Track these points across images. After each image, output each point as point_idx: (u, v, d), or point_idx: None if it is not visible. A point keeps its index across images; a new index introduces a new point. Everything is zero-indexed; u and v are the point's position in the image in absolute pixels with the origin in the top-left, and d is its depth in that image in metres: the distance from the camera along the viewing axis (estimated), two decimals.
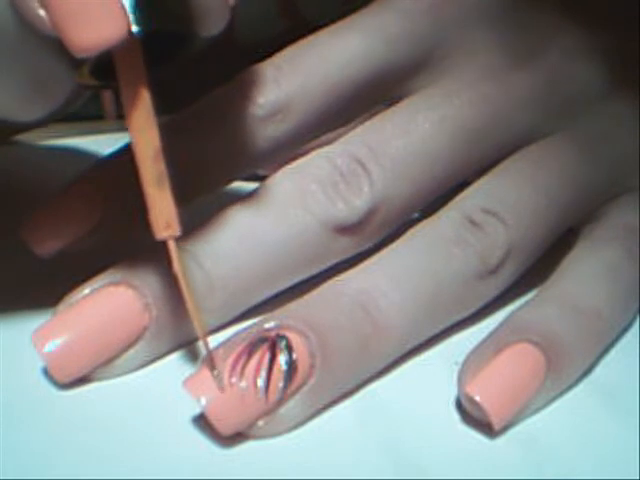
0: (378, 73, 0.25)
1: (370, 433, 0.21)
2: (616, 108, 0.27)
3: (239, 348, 0.20)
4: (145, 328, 0.22)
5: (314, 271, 0.24)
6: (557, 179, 0.25)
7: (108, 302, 0.22)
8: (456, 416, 0.22)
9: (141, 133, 0.20)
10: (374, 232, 0.24)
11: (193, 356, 0.23)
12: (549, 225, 0.25)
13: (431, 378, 0.23)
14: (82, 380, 0.22)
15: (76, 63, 0.20)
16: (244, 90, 0.25)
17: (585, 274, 0.24)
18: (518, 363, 0.21)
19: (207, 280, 0.23)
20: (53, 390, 0.22)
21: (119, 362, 0.22)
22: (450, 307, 0.23)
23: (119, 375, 0.22)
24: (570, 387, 0.23)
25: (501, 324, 0.23)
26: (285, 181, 0.24)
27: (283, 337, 0.21)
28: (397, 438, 0.21)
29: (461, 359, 0.22)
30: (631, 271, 0.25)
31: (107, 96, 0.43)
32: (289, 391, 0.20)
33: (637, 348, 0.24)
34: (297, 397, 0.21)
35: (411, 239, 0.24)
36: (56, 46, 0.19)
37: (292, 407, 0.21)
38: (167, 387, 0.22)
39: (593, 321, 0.23)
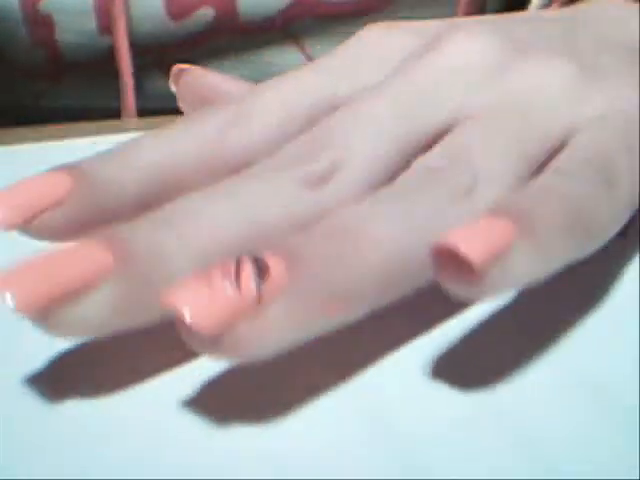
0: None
1: (367, 432, 0.21)
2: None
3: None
4: (109, 266, 0.21)
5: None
6: (507, 121, 0.26)
7: (71, 252, 0.21)
8: (455, 417, 0.21)
9: None
10: (345, 187, 0.25)
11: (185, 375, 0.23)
12: (513, 153, 0.25)
13: (430, 378, 0.23)
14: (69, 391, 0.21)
15: None
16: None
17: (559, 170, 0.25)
18: (485, 227, 0.21)
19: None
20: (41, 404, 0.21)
21: (85, 304, 0.21)
22: (433, 233, 0.22)
23: (90, 327, 0.21)
24: (567, 385, 0.22)
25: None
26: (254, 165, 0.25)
27: (251, 254, 0.20)
28: (395, 437, 0.21)
29: (460, 359, 0.22)
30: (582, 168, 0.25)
31: (129, 97, 0.43)
32: (265, 292, 0.20)
33: (637, 348, 0.24)
34: (277, 301, 0.20)
35: (382, 190, 0.24)
36: None
37: (274, 312, 0.20)
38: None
39: (557, 180, 0.24)
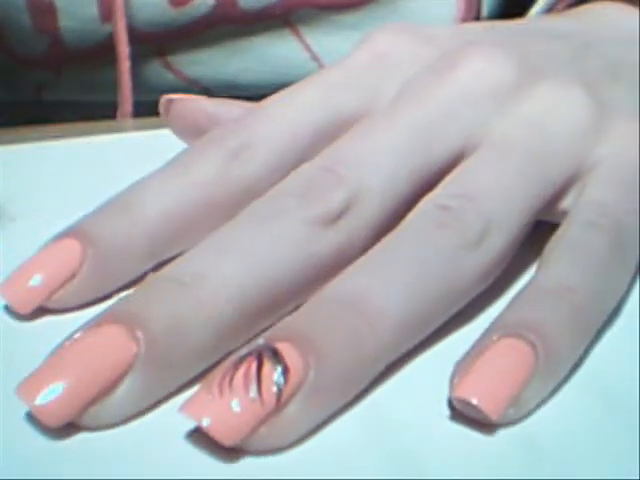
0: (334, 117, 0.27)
1: (367, 433, 0.21)
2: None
3: (227, 366, 0.20)
4: (135, 356, 0.21)
5: (312, 274, 0.24)
6: (520, 156, 0.26)
7: (94, 342, 0.21)
8: (455, 417, 0.22)
9: None
10: (360, 224, 0.24)
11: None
12: (523, 195, 0.25)
13: (430, 380, 0.23)
14: (76, 428, 0.21)
15: None
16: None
17: (552, 257, 0.25)
18: (502, 357, 0.22)
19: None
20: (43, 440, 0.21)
21: (113, 400, 0.21)
22: (442, 287, 0.23)
23: (118, 416, 0.21)
24: (570, 387, 0.23)
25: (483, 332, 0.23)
26: (262, 200, 0.24)
27: (269, 347, 0.20)
28: (396, 439, 0.21)
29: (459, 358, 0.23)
30: (597, 242, 0.25)
31: (125, 97, 0.43)
32: (285, 394, 0.20)
33: (637, 347, 0.24)
34: (297, 399, 0.20)
35: (390, 238, 0.24)
36: None
37: (294, 410, 0.20)
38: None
39: (567, 299, 0.23)
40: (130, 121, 0.43)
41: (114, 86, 0.42)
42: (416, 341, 0.23)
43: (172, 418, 0.21)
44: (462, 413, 0.22)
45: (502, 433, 0.21)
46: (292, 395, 0.20)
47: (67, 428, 0.21)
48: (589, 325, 0.24)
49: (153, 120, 0.33)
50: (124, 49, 0.41)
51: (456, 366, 0.22)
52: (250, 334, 0.23)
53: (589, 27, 0.32)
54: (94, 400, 0.20)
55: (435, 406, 0.22)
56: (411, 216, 0.24)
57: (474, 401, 0.21)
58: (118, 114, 0.43)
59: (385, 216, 0.25)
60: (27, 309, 0.24)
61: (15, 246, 0.25)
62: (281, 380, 0.20)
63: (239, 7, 0.43)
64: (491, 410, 0.21)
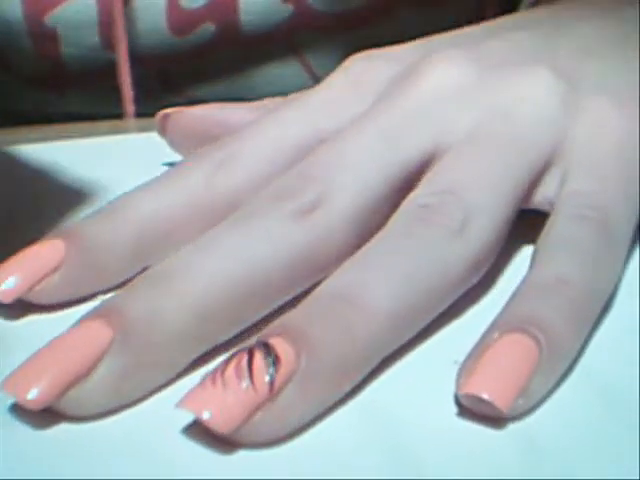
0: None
1: (369, 432, 0.21)
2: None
3: (221, 362, 0.21)
4: (111, 340, 0.21)
5: (291, 267, 0.24)
6: (492, 145, 0.26)
7: (74, 335, 0.22)
8: (455, 416, 0.21)
9: None
10: (334, 217, 0.25)
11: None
12: (501, 181, 0.25)
13: (430, 377, 0.23)
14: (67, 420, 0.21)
15: None
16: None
17: (543, 252, 0.25)
18: (507, 352, 0.22)
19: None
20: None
21: (91, 383, 0.21)
22: (431, 277, 0.23)
23: (98, 402, 0.21)
24: (570, 386, 0.22)
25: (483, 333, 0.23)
26: (243, 205, 0.25)
27: (261, 342, 0.21)
28: (396, 437, 0.21)
29: (460, 358, 0.22)
30: (586, 234, 0.25)
31: (127, 97, 0.43)
32: (278, 382, 0.20)
33: (637, 347, 0.24)
34: (290, 386, 0.21)
35: (376, 237, 0.24)
36: None
37: (288, 397, 0.20)
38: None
39: (563, 291, 0.23)
40: (132, 121, 0.43)
41: (117, 105, 0.43)
42: (411, 332, 0.23)
43: (164, 412, 0.21)
44: (461, 411, 0.21)
45: (502, 432, 0.21)
46: (285, 383, 0.21)
47: (55, 420, 0.21)
48: (587, 315, 0.24)
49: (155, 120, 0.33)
50: (126, 78, 0.42)
51: (461, 366, 0.22)
52: (235, 324, 0.23)
53: (564, 10, 0.32)
54: (72, 383, 0.21)
55: (435, 404, 0.22)
56: (394, 217, 0.25)
57: (484, 396, 0.21)
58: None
59: (359, 210, 0.25)
60: (13, 296, 0.24)
61: (14, 247, 0.25)
62: (272, 369, 0.20)
63: (241, 33, 0.43)
64: (501, 403, 0.21)
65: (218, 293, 0.23)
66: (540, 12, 0.33)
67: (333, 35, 0.43)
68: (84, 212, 0.26)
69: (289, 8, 0.43)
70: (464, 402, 0.21)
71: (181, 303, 0.22)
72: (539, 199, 0.27)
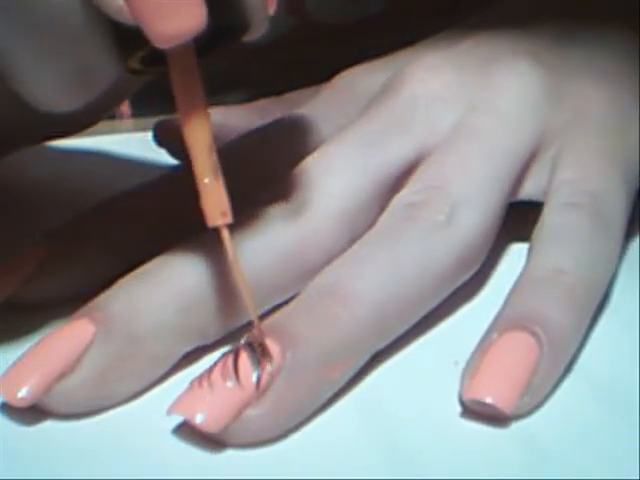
0: None
1: (368, 432, 0.21)
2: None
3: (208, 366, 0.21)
4: (92, 334, 0.22)
5: (274, 264, 0.24)
6: (476, 139, 0.26)
7: (60, 334, 0.22)
8: (454, 416, 0.22)
9: (195, 125, 0.21)
10: (322, 216, 0.25)
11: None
12: (486, 173, 0.26)
13: (430, 378, 0.23)
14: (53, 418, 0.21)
15: (127, 51, 0.20)
16: None
17: (538, 245, 0.25)
18: (507, 351, 0.22)
19: None
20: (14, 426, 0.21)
21: (76, 377, 0.21)
22: (417, 269, 0.23)
23: (84, 396, 0.21)
24: (570, 386, 0.22)
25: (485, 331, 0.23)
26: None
27: (246, 343, 0.21)
28: (395, 437, 0.21)
29: (460, 358, 0.23)
30: (579, 222, 0.25)
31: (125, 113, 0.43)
32: (264, 379, 0.20)
33: (637, 347, 0.24)
34: (278, 380, 0.21)
35: (363, 237, 0.24)
36: (107, 34, 0.19)
37: (277, 391, 0.21)
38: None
39: (559, 282, 0.24)
40: (130, 121, 0.43)
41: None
42: (400, 325, 0.23)
43: (154, 411, 0.21)
44: (462, 410, 0.22)
45: (503, 431, 0.21)
46: (272, 378, 0.21)
47: (42, 418, 0.21)
48: (586, 303, 0.24)
49: (153, 120, 0.33)
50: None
51: (464, 368, 0.22)
52: (224, 319, 0.23)
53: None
54: (58, 379, 0.21)
55: (435, 404, 0.22)
56: (382, 217, 0.25)
57: (488, 400, 0.21)
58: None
59: (346, 214, 0.25)
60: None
61: (14, 248, 0.25)
62: (258, 367, 0.21)
63: (243, 43, 0.43)
64: (505, 405, 0.21)
65: (194, 282, 0.23)
66: (519, 5, 0.33)
67: (336, 47, 0.43)
68: (82, 212, 0.26)
69: (292, 20, 0.43)
70: (468, 404, 0.21)
71: (158, 293, 0.22)
72: (530, 190, 0.27)
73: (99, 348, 0.22)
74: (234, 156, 0.27)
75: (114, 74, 0.21)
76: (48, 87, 0.20)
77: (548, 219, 0.26)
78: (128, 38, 0.20)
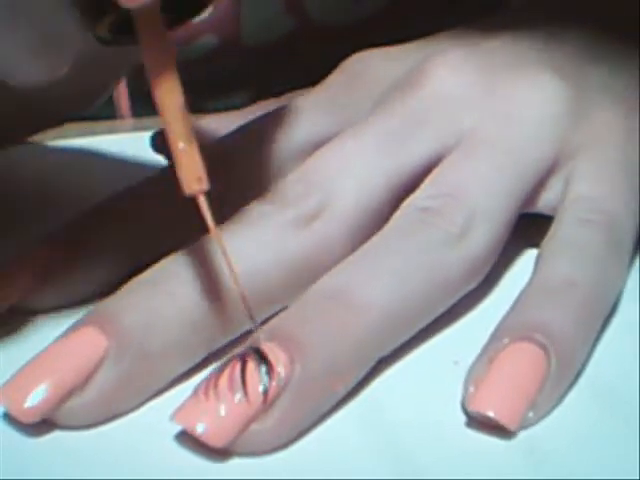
0: None
1: (368, 435, 0.21)
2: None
3: (214, 371, 0.20)
4: (105, 349, 0.21)
5: (288, 276, 0.24)
6: (495, 150, 0.26)
7: (68, 343, 0.21)
8: (454, 417, 0.21)
9: (167, 91, 0.20)
10: (334, 224, 0.25)
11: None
12: (503, 187, 0.25)
13: (430, 378, 0.23)
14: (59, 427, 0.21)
15: (94, 16, 0.20)
16: None
17: (550, 255, 0.25)
18: (515, 363, 0.22)
19: None
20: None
21: (88, 394, 0.21)
22: (427, 279, 0.23)
23: (95, 413, 0.21)
24: (570, 387, 0.22)
25: (491, 334, 0.23)
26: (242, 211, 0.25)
27: (253, 348, 0.21)
28: (395, 438, 0.21)
29: (460, 358, 0.23)
30: (592, 238, 0.25)
31: (123, 96, 0.43)
32: (272, 392, 0.20)
33: (637, 348, 0.24)
34: (286, 394, 0.20)
35: (373, 239, 0.24)
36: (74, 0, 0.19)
37: (284, 406, 0.20)
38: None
39: (571, 293, 0.23)
40: (130, 121, 0.43)
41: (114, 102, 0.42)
42: (407, 333, 0.23)
43: (157, 418, 0.21)
44: (461, 412, 0.22)
45: (505, 438, 0.21)
46: (279, 392, 0.20)
47: (47, 427, 0.21)
48: (594, 319, 0.24)
49: (153, 120, 0.33)
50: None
51: (469, 374, 0.22)
52: (226, 326, 0.23)
53: (567, 6, 0.32)
54: (68, 395, 0.21)
55: (435, 405, 0.22)
56: (394, 218, 0.25)
57: (491, 414, 0.21)
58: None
59: (360, 218, 0.25)
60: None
61: (14, 247, 0.25)
62: (266, 378, 0.20)
63: (243, 44, 0.43)
64: (509, 421, 0.21)
65: (209, 294, 0.22)
66: (546, 6, 0.33)
67: (335, 47, 0.43)
68: (81, 211, 0.26)
69: (291, 20, 0.43)
70: (472, 414, 0.21)
71: (173, 307, 0.22)
72: (542, 204, 0.27)
73: (112, 366, 0.21)
74: (228, 150, 0.27)
75: (82, 42, 0.20)
76: (14, 57, 0.20)
77: (561, 231, 0.26)
78: (95, 3, 0.19)
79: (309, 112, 0.29)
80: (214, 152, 0.27)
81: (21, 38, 0.20)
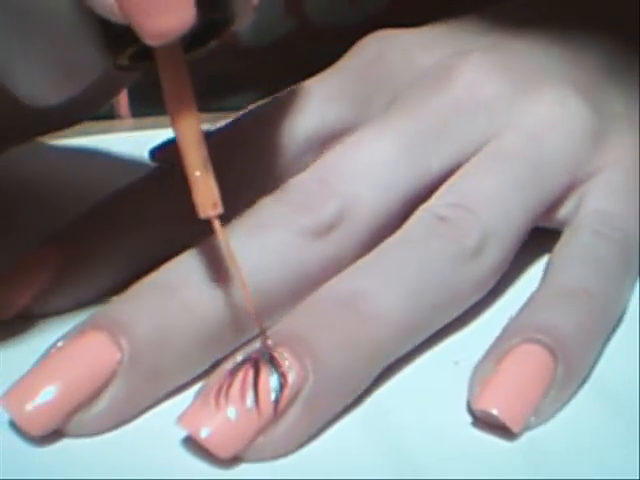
0: None
1: (369, 436, 0.21)
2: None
3: (223, 374, 0.20)
4: (118, 363, 0.21)
5: (300, 285, 0.24)
6: (517, 167, 0.26)
7: (77, 350, 0.21)
8: (456, 418, 0.22)
9: (184, 119, 0.21)
10: (351, 235, 0.24)
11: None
12: (521, 207, 0.25)
13: (430, 378, 0.23)
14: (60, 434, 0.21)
15: (116, 49, 0.20)
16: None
17: (564, 261, 0.25)
18: (523, 364, 0.22)
19: None
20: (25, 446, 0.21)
21: (98, 408, 0.21)
22: (439, 293, 0.23)
23: (104, 425, 0.21)
24: (578, 396, 0.23)
25: (499, 333, 0.23)
26: (256, 209, 0.24)
27: (265, 352, 0.20)
28: (397, 439, 0.21)
29: (460, 358, 0.23)
30: (604, 249, 0.25)
31: (122, 96, 0.43)
32: (283, 402, 0.20)
33: (637, 348, 0.24)
34: (296, 405, 0.20)
35: (388, 243, 0.24)
36: (96, 31, 0.19)
37: (293, 417, 0.20)
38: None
39: (584, 301, 0.23)
40: (129, 121, 0.43)
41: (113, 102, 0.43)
42: (413, 344, 0.23)
43: (165, 422, 0.21)
44: (462, 412, 0.22)
45: (508, 439, 0.21)
46: (290, 402, 0.20)
47: (53, 434, 0.21)
48: (603, 330, 0.24)
49: (152, 120, 0.33)
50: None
51: (475, 372, 0.22)
52: (238, 341, 0.23)
53: (583, 14, 0.31)
54: (78, 408, 0.21)
55: (437, 409, 0.22)
56: (409, 224, 0.24)
57: (495, 412, 0.21)
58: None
59: (377, 228, 0.25)
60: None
61: (14, 247, 0.25)
62: (278, 388, 0.20)
63: (240, 46, 0.43)
64: (513, 422, 0.21)
65: (222, 304, 0.22)
66: (560, 9, 0.32)
67: (336, 48, 0.43)
68: (80, 211, 0.26)
69: (291, 22, 0.43)
70: (477, 413, 0.21)
71: (187, 320, 0.22)
72: (555, 219, 0.27)
73: (123, 383, 0.21)
74: (235, 134, 0.27)
75: (101, 70, 0.21)
76: (35, 82, 0.20)
77: (577, 239, 0.26)
78: (118, 36, 0.20)
79: (320, 99, 0.28)
80: (220, 137, 0.27)
81: (44, 65, 0.20)
